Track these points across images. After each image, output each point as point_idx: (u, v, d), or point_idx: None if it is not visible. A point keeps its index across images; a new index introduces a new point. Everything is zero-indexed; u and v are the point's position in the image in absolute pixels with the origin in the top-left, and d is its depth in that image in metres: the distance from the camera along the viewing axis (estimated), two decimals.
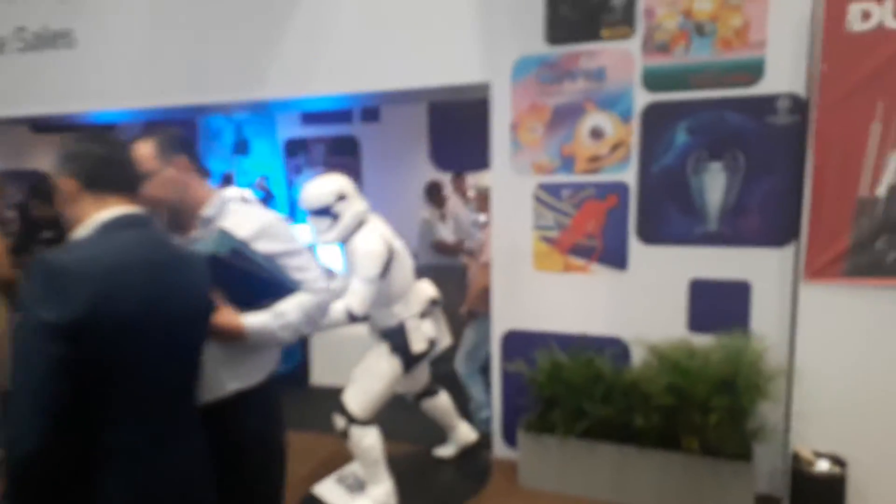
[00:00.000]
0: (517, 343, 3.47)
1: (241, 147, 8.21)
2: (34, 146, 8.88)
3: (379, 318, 3.03)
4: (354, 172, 7.67)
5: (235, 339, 1.74)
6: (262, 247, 1.81)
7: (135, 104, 4.25)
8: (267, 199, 7.67)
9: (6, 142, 9.11)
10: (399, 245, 3.01)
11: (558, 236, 3.35)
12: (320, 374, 4.93)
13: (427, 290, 3.16)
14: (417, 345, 2.98)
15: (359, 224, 2.90)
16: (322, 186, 2.86)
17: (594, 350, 3.24)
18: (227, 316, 1.71)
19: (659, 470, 2.99)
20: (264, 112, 7.97)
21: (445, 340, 3.31)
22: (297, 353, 2.23)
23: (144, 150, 1.74)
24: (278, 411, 1.97)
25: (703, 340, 3.09)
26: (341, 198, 2.85)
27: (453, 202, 5.67)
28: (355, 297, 2.76)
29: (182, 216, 1.83)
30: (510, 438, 3.54)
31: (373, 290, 2.79)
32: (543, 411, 3.24)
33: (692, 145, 3.10)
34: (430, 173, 7.00)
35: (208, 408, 1.67)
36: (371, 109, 7.50)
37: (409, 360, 3.00)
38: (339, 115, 7.64)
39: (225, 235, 1.77)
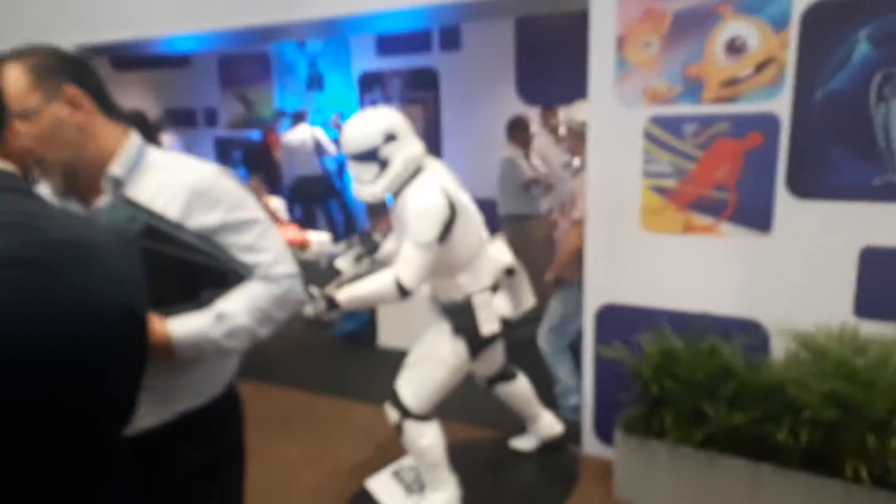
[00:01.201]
0: (616, 320, 2.77)
1: (316, 82, 7.67)
2: (118, 85, 8.75)
3: (440, 291, 2.41)
4: (433, 108, 6.98)
5: (161, 356, 1.21)
6: (197, 219, 1.25)
7: (183, 27, 3.68)
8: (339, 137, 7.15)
9: None
10: (465, 199, 2.34)
11: (676, 186, 2.57)
12: (388, 335, 4.42)
13: (501, 255, 2.50)
14: (487, 325, 2.35)
15: (413, 172, 2.25)
16: (367, 123, 2.21)
17: (720, 336, 2.50)
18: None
19: (807, 499, 2.26)
20: (338, 39, 7.36)
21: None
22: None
23: (14, 78, 1.16)
24: (236, 435, 1.45)
25: (877, 330, 2.28)
26: (391, 138, 2.20)
27: (541, 141, 4.89)
28: (407, 266, 2.14)
29: (80, 176, 1.26)
30: (603, 433, 2.89)
31: (429, 258, 2.16)
32: (649, 409, 2.56)
33: (878, 61, 2.20)
34: (517, 108, 6.20)
35: (141, 438, 1.20)
36: (452, 35, 6.70)
37: (477, 345, 2.38)
38: (416, 43, 6.90)
39: (131, 206, 1.20)
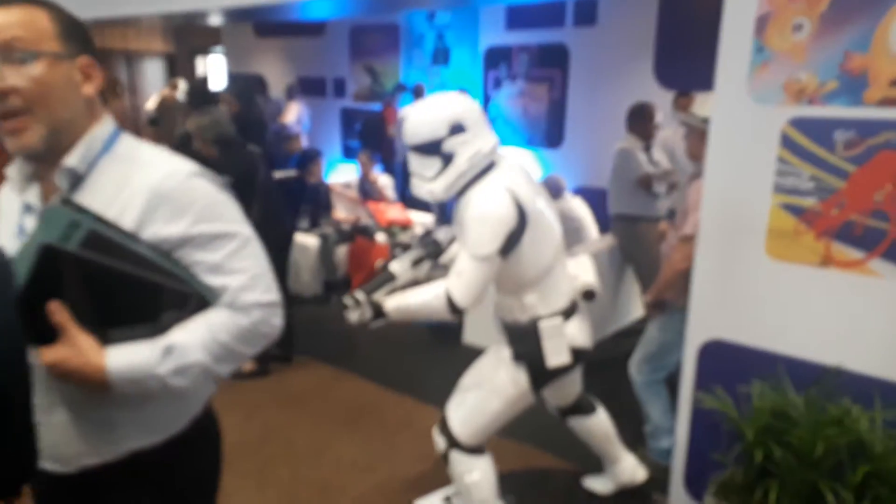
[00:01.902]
0: (722, 360, 2.30)
1: (442, 56, 7.44)
2: (257, 51, 9.08)
3: (502, 309, 2.09)
4: (559, 88, 6.52)
5: (93, 389, 1.01)
6: (155, 228, 1.05)
7: None
8: None
9: (234, 46, 9.46)
10: (542, 206, 1.99)
11: (817, 207, 2.05)
12: (476, 332, 4.15)
13: (583, 274, 2.12)
14: (555, 357, 2.00)
15: (481, 170, 1.93)
16: (432, 112, 1.92)
17: (855, 400, 1.98)
18: (77, 351, 0.96)
19: None
20: (467, 11, 7.05)
21: (635, 312, 2.27)
22: None
23: (38, 20, 1.04)
24: (205, 483, 1.25)
25: None
26: (457, 129, 1.89)
27: (669, 132, 4.32)
28: (460, 280, 1.85)
29: (58, 150, 1.08)
30: (696, 489, 2.45)
31: (487, 273, 1.85)
32: (753, 475, 2.10)
33: None
34: (652, 91, 5.59)
35: (81, 479, 1.08)
36: (587, 7, 6.17)
37: (541, 377, 2.04)
38: (549, 16, 6.44)
39: (72, 209, 0.99)
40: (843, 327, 2.08)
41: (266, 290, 1.12)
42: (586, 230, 4.45)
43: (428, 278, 2.14)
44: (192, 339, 1.06)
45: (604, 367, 3.56)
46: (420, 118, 1.92)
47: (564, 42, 6.43)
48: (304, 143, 7.78)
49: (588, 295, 2.06)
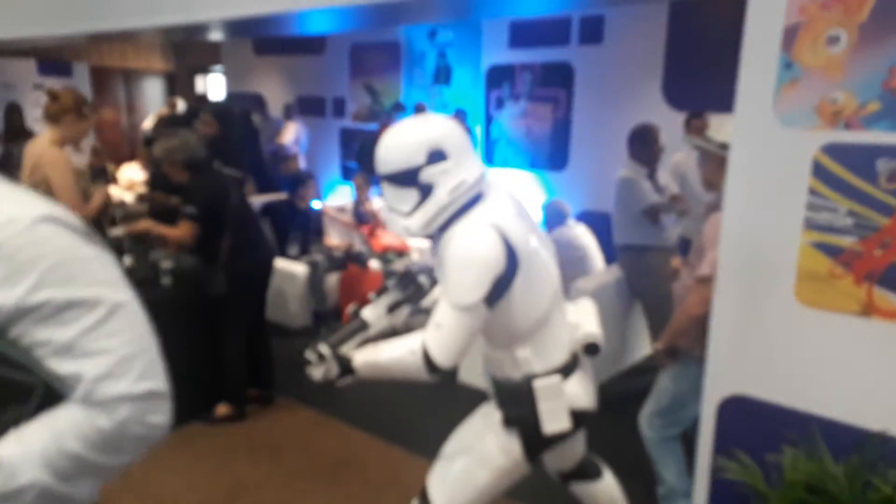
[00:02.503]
0: (746, 420, 2.00)
1: (443, 75, 7.23)
2: (257, 69, 8.91)
3: (492, 363, 1.81)
4: (564, 108, 6.27)
5: None
6: None
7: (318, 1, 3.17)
8: None
9: (233, 64, 9.30)
10: (536, 245, 1.71)
11: (858, 247, 1.76)
12: (472, 371, 3.84)
13: (585, 322, 1.83)
14: (552, 423, 1.71)
15: (466, 203, 1.66)
16: (407, 136, 1.65)
17: None
18: None
19: None
20: (469, 29, 6.84)
21: (643, 349, 1.97)
22: None
23: None
24: None
25: None
26: (437, 157, 1.62)
27: (682, 156, 4.05)
28: (439, 334, 1.57)
29: None
30: None
31: (470, 325, 1.57)
32: None
33: None
34: (661, 112, 5.34)
35: None
36: (593, 25, 5.95)
37: (536, 445, 1.75)
38: (553, 34, 6.22)
39: None
40: (890, 386, 1.78)
41: (140, 378, 0.83)
42: (591, 260, 4.16)
43: (407, 327, 1.86)
44: (28, 451, 0.78)
45: (609, 409, 3.26)
46: (394, 143, 1.65)
47: (569, 61, 6.20)
48: (301, 163, 7.56)
49: (591, 349, 1.77)
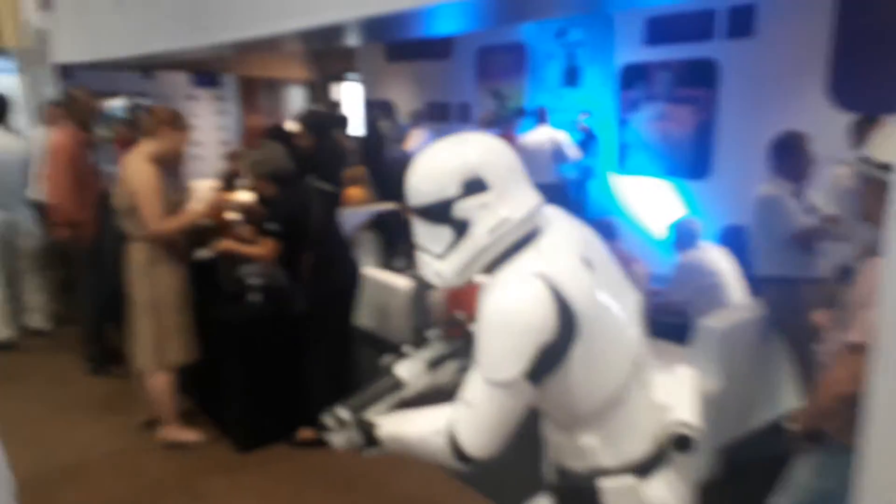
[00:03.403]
0: None
1: (572, 76, 6.75)
2: (389, 75, 8.98)
3: (552, 447, 1.43)
4: (707, 111, 5.59)
5: None
6: None
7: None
8: (586, 141, 6.16)
9: (366, 72, 9.44)
10: (607, 299, 1.30)
11: None
12: None
13: (678, 404, 1.38)
14: None
15: (513, 246, 1.30)
16: (439, 160, 1.32)
17: None
18: None
19: None
20: (601, 26, 6.32)
21: (786, 402, 1.50)
22: None
23: None
24: None
25: None
26: (475, 186, 1.28)
27: (845, 172, 3.33)
28: (469, 415, 1.24)
29: None
30: None
31: (509, 407, 1.23)
32: None
33: None
34: (824, 114, 4.55)
35: None
36: (742, 16, 5.22)
37: None
38: (695, 27, 5.56)
39: None
40: None
41: None
42: (727, 290, 3.54)
43: (456, 386, 1.53)
44: None
45: (732, 482, 2.72)
46: (424, 170, 1.33)
47: (714, 57, 5.51)
48: None
49: (681, 443, 1.33)
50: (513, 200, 1.29)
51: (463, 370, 1.56)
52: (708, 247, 3.73)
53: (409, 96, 8.62)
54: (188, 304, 3.01)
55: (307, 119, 3.47)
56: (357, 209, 5.32)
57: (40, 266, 4.40)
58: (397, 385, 1.51)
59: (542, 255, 1.27)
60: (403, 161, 7.14)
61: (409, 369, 1.53)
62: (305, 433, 3.15)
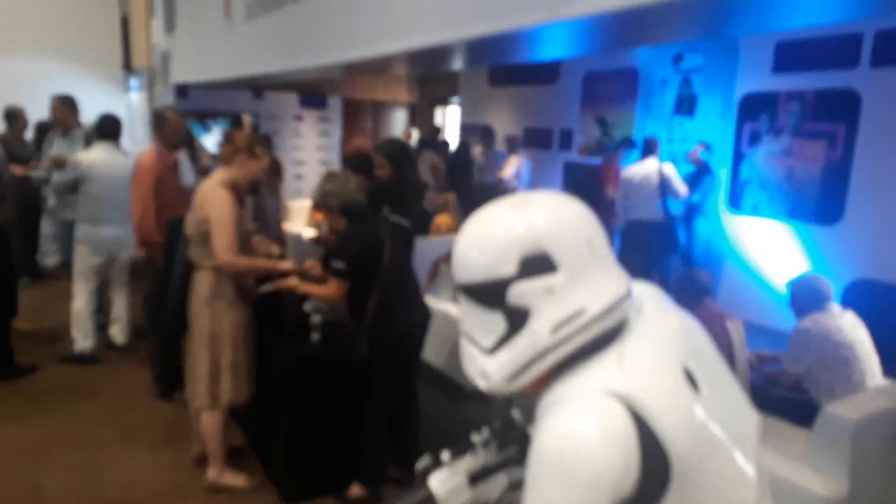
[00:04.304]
0: None
1: (686, 104, 6.22)
2: (491, 100, 8.77)
3: None
4: (843, 147, 4.92)
5: None
6: None
7: (553, 14, 2.69)
8: (699, 175, 5.61)
9: (468, 95, 9.29)
10: (717, 430, 0.93)
11: None
12: None
13: None
14: None
15: (586, 348, 0.96)
16: (495, 226, 1.00)
17: None
18: None
19: None
20: (723, 51, 5.77)
21: None
22: None
23: None
24: None
25: None
26: (537, 265, 0.95)
27: None
28: None
29: None
30: None
31: None
32: None
33: None
34: None
35: None
36: (891, 41, 4.56)
37: None
38: (836, 54, 4.93)
39: None
40: None
41: None
42: (861, 366, 2.96)
43: (504, 503, 1.21)
44: None
45: None
46: (474, 238, 1.02)
47: (855, 87, 4.84)
48: None
49: None
50: (590, 286, 0.95)
51: (515, 487, 1.23)
52: (837, 311, 3.14)
53: (508, 121, 8.36)
54: (248, 342, 2.85)
55: (386, 148, 3.25)
56: (443, 237, 5.08)
57: (128, 280, 4.48)
58: (429, 502, 1.20)
59: (626, 366, 0.92)
60: (495, 189, 6.89)
61: (447, 483, 1.21)
62: (356, 490, 2.88)
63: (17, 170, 5.04)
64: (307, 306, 2.98)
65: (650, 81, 6.56)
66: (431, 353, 3.35)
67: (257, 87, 8.46)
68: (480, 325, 1.02)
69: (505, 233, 0.98)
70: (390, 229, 2.89)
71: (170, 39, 7.95)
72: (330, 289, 2.71)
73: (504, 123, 8.36)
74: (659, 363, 0.94)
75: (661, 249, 5.60)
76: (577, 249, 0.96)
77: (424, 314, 2.91)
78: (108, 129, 4.24)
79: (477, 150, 7.62)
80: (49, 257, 6.75)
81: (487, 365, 1.01)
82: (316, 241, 3.66)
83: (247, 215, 3.01)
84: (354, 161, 3.39)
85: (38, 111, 6.34)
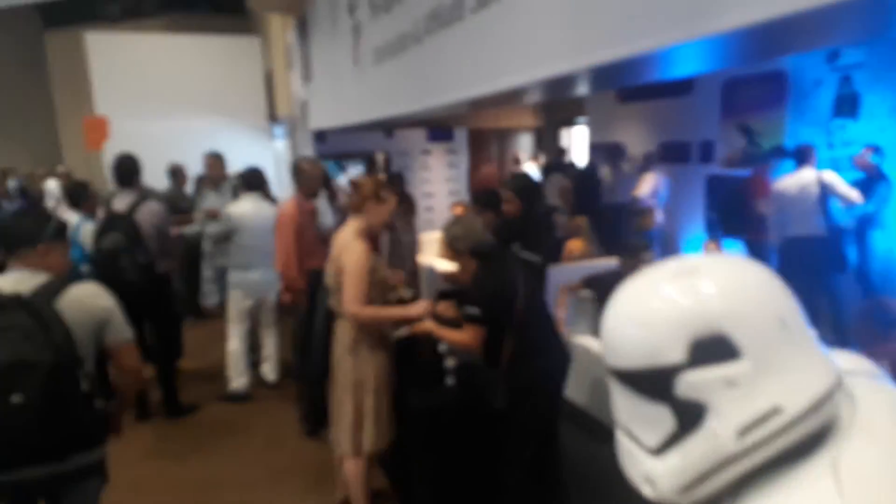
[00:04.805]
0: None
1: (848, 105, 5.56)
2: (620, 116, 8.45)
3: None
4: None
5: None
6: None
7: (684, 33, 2.48)
8: (868, 181, 4.96)
9: (596, 115, 9.02)
10: None
11: None
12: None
13: None
14: None
15: (783, 456, 0.78)
16: (656, 299, 0.85)
17: None
18: None
19: None
20: (889, 43, 5.12)
21: None
22: None
23: None
24: None
25: None
26: (714, 350, 0.79)
27: None
28: None
29: None
30: None
31: None
32: None
33: None
34: None
35: None
36: None
37: None
38: None
39: None
40: None
41: None
42: None
43: None
44: None
45: None
46: (629, 314, 0.87)
47: None
48: (659, 218, 6.75)
49: None
50: (786, 377, 0.78)
51: None
52: None
53: (640, 137, 7.98)
54: (389, 388, 2.84)
55: (514, 183, 3.16)
56: (575, 264, 4.86)
57: (276, 320, 4.71)
58: None
59: (846, 489, 0.73)
60: (629, 209, 6.54)
61: None
62: None
63: (174, 229, 5.53)
64: (442, 348, 2.93)
65: (801, 83, 5.96)
66: (572, 390, 3.17)
67: (388, 126, 8.75)
68: (641, 418, 0.87)
69: (668, 308, 0.82)
70: (521, 267, 2.78)
71: (307, 89, 8.44)
72: (468, 336, 2.63)
73: (636, 140, 7.99)
74: (892, 481, 0.74)
75: (826, 269, 4.97)
76: (766, 330, 0.79)
77: (563, 356, 2.75)
78: (254, 181, 4.55)
79: (605, 170, 7.32)
80: (209, 298, 7.34)
81: (654, 469, 0.86)
82: (448, 278, 3.63)
83: (381, 261, 3.02)
84: (482, 198, 3.33)
85: (196, 165, 6.96)
